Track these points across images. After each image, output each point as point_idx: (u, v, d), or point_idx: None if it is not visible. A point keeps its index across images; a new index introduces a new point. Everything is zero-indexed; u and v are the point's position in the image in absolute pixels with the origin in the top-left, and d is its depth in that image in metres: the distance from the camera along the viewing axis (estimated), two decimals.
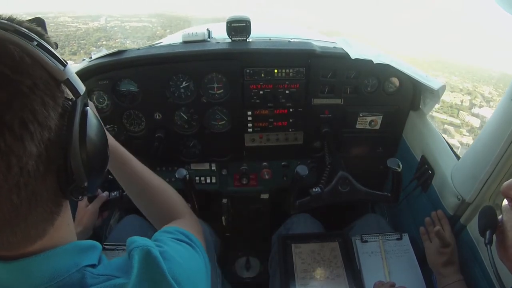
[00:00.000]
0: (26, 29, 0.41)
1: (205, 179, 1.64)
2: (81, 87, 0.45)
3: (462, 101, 11.19)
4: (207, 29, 1.46)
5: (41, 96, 0.39)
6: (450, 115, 10.79)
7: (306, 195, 1.20)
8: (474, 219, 1.07)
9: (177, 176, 1.19)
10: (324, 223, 1.45)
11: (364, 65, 1.34)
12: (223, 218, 1.64)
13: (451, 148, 1.27)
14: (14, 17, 0.42)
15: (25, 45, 0.39)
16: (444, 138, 1.31)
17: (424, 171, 1.31)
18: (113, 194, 1.27)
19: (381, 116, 1.49)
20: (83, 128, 0.44)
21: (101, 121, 0.51)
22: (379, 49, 1.50)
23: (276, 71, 1.38)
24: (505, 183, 0.60)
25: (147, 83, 1.37)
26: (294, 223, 1.42)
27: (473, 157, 1.06)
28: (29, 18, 0.48)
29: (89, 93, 1.35)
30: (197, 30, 1.43)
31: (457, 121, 10.55)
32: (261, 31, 1.86)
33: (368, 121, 1.50)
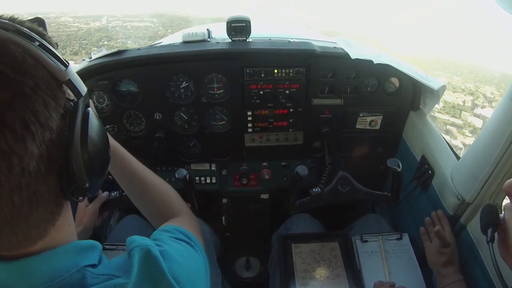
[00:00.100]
0: (28, 29, 0.41)
1: (205, 179, 1.64)
2: (83, 88, 0.45)
3: (464, 102, 11.19)
4: (207, 29, 1.46)
5: (42, 96, 0.39)
6: (452, 116, 10.79)
7: (306, 195, 1.20)
8: (474, 219, 1.07)
9: (177, 176, 1.19)
10: (324, 223, 1.45)
11: (364, 65, 1.34)
12: (223, 218, 1.64)
13: (451, 148, 1.27)
14: (16, 17, 0.42)
15: (26, 46, 0.39)
16: (444, 138, 1.31)
17: (424, 171, 1.31)
18: (113, 194, 1.27)
19: (381, 116, 1.49)
20: (84, 129, 0.44)
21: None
22: (379, 49, 1.50)
23: (276, 71, 1.38)
24: (508, 181, 0.61)
25: (147, 83, 1.37)
26: (294, 223, 1.42)
27: (473, 157, 1.06)
28: (30, 18, 0.47)
29: (89, 93, 1.34)
30: (197, 30, 1.43)
31: (459, 122, 10.55)
32: (261, 31, 1.86)
33: (368, 121, 1.50)
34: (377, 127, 1.51)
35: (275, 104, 1.44)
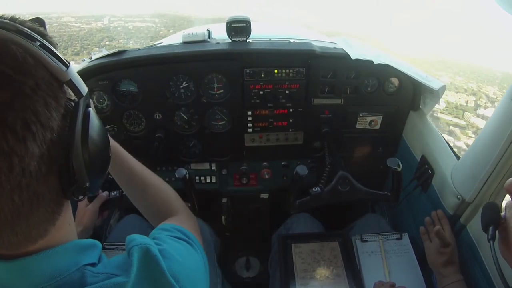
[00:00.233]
0: (29, 29, 0.41)
1: (205, 179, 1.64)
2: (84, 88, 0.45)
3: (467, 102, 11.18)
4: (207, 30, 1.46)
5: (43, 97, 0.39)
6: (455, 116, 10.78)
7: (306, 195, 1.20)
8: (474, 219, 1.07)
9: (177, 176, 1.19)
10: (324, 223, 1.46)
11: (364, 65, 1.34)
12: (223, 218, 1.65)
13: (451, 148, 1.27)
14: (17, 17, 0.42)
15: (27, 46, 0.39)
16: (444, 138, 1.31)
17: (424, 171, 1.31)
18: (113, 193, 1.27)
19: (381, 116, 1.49)
20: (85, 129, 0.44)
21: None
22: (379, 49, 1.50)
23: (276, 71, 1.38)
24: (509, 179, 0.61)
25: (147, 83, 1.37)
26: (294, 223, 1.42)
27: (473, 157, 1.06)
28: (31, 18, 0.48)
29: (89, 93, 1.35)
30: (197, 31, 1.43)
31: (462, 123, 10.54)
32: (261, 32, 1.86)
33: (368, 121, 1.50)
34: (377, 127, 1.51)
35: (275, 104, 1.44)
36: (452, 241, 1.09)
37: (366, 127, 1.51)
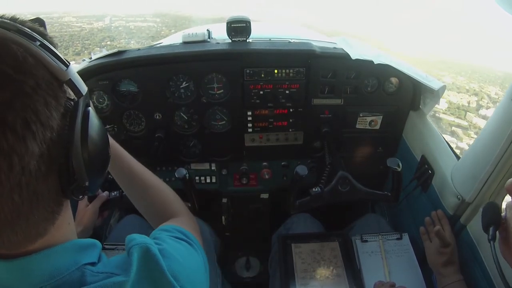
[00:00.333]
0: (29, 29, 0.42)
1: (205, 179, 1.64)
2: (83, 88, 0.46)
3: (469, 102, 11.15)
4: (207, 30, 1.46)
5: (43, 96, 0.39)
6: (457, 117, 10.75)
7: (306, 195, 1.20)
8: (474, 219, 1.07)
9: (176, 176, 1.19)
10: (324, 223, 1.46)
11: (364, 65, 1.34)
12: (223, 218, 1.65)
13: (451, 148, 1.27)
14: (17, 17, 0.43)
15: (28, 45, 0.39)
16: (444, 138, 1.31)
17: (424, 171, 1.31)
18: (113, 193, 1.27)
19: (381, 116, 1.49)
20: (85, 128, 0.44)
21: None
22: (379, 49, 1.50)
23: (276, 71, 1.38)
24: (510, 180, 0.61)
25: (147, 83, 1.37)
26: (294, 223, 1.42)
27: (473, 157, 1.06)
28: (32, 18, 0.48)
29: (89, 93, 1.35)
30: (197, 31, 1.43)
31: (464, 123, 10.51)
32: (261, 32, 1.86)
33: (368, 121, 1.50)
34: (377, 127, 1.51)
35: (275, 104, 1.44)
36: (452, 241, 1.09)
37: (366, 127, 1.51)
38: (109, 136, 0.55)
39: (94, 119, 0.47)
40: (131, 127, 1.46)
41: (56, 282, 0.45)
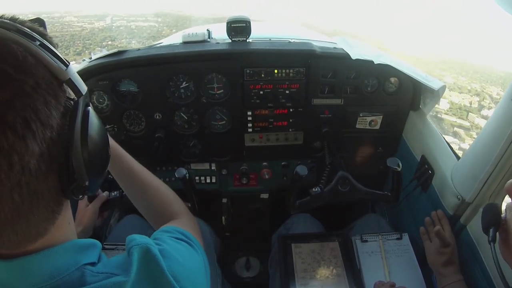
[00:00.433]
0: (29, 29, 0.42)
1: (205, 179, 1.64)
2: (83, 87, 0.46)
3: (471, 103, 11.10)
4: (207, 30, 1.46)
5: (43, 95, 0.39)
6: (459, 117, 10.70)
7: (306, 195, 1.20)
8: (474, 219, 1.07)
9: (176, 176, 1.19)
10: (324, 223, 1.46)
11: (364, 65, 1.34)
12: (223, 218, 1.65)
13: (451, 148, 1.27)
14: (17, 17, 0.43)
15: (28, 45, 0.39)
16: (444, 138, 1.31)
17: (424, 171, 1.31)
18: (113, 194, 1.27)
19: (381, 116, 1.49)
20: (84, 128, 0.44)
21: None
22: (379, 49, 1.50)
23: (276, 71, 1.38)
24: (509, 181, 0.61)
25: (147, 83, 1.37)
26: (294, 223, 1.42)
27: (473, 157, 1.06)
28: (32, 18, 0.48)
29: (89, 93, 1.35)
30: (197, 31, 1.43)
31: (466, 124, 10.45)
32: (261, 32, 1.86)
33: (368, 121, 1.50)
34: (377, 127, 1.51)
35: (275, 104, 1.45)
36: (452, 241, 1.09)
37: (366, 127, 1.51)
38: (109, 136, 0.56)
39: (94, 119, 0.47)
40: (131, 127, 1.46)
41: (56, 282, 0.45)
